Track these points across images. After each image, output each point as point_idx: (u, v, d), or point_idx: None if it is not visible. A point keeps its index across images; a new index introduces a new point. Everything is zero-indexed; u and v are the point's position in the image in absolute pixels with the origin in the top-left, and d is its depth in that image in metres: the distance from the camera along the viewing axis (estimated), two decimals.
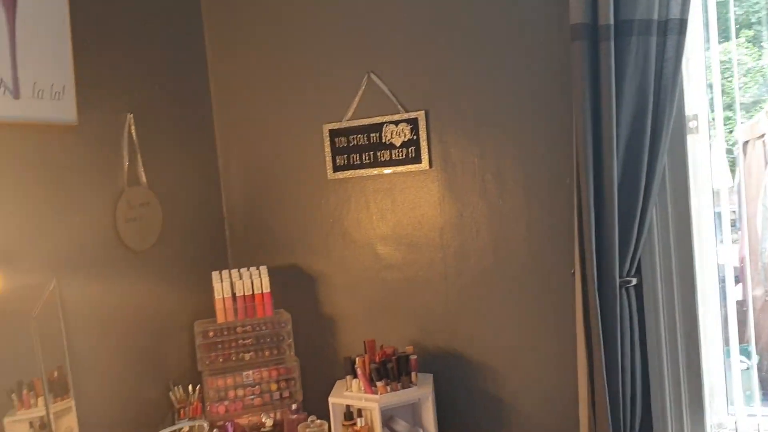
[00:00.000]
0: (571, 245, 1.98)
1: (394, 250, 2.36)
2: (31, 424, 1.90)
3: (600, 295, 1.86)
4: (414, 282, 2.33)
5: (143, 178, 2.22)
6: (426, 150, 2.28)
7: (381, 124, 2.32)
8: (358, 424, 2.04)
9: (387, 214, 2.36)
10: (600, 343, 1.85)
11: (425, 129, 2.27)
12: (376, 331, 2.30)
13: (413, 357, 2.11)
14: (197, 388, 2.22)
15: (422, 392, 2.06)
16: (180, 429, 2.09)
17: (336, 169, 2.40)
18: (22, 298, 1.83)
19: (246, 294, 2.28)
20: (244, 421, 2.22)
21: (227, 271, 2.30)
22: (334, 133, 2.39)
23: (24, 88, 1.82)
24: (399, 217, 2.35)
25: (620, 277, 1.88)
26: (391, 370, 2.06)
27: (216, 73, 2.57)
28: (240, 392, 2.22)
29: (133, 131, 2.17)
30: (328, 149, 2.40)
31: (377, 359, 2.08)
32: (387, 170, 2.33)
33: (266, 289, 2.29)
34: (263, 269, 2.31)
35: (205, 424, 2.06)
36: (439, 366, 2.27)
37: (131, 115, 2.17)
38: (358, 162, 2.37)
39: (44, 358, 1.87)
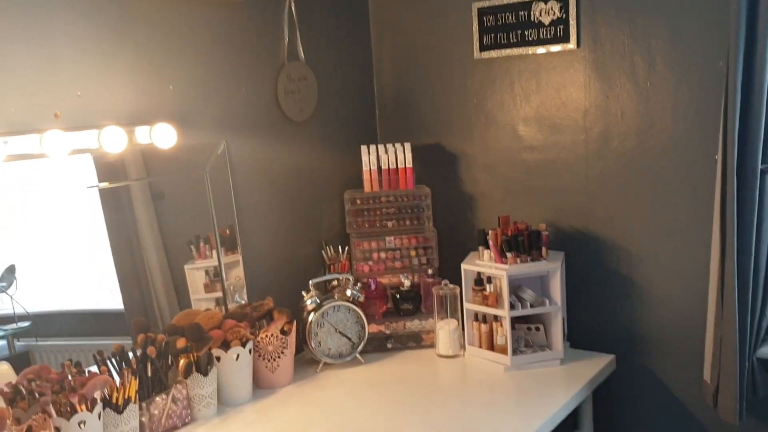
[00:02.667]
0: (718, 132, 1.96)
1: (535, 131, 2.44)
2: (207, 273, 2.29)
3: (739, 180, 1.86)
4: (553, 163, 2.41)
5: (301, 54, 2.45)
6: (575, 29, 2.29)
7: (530, 2, 2.35)
8: (487, 290, 2.22)
9: (531, 96, 2.43)
10: (734, 228, 1.86)
11: (575, 7, 2.27)
12: (512, 209, 2.44)
13: (545, 233, 2.23)
14: (346, 248, 2.52)
15: (551, 266, 2.20)
16: (329, 280, 2.40)
17: (483, 48, 2.49)
18: (197, 154, 2.17)
19: (390, 168, 2.49)
20: (385, 280, 2.50)
21: (375, 145, 2.51)
22: (482, 12, 2.46)
23: None
24: (543, 99, 2.41)
25: (763, 163, 1.85)
26: (521, 243, 2.20)
27: None
28: (383, 255, 2.49)
29: (293, 9, 2.39)
30: (475, 28, 2.48)
31: (509, 233, 2.23)
32: (534, 50, 2.38)
33: (409, 164, 2.49)
34: (407, 146, 2.51)
35: (351, 278, 2.36)
36: (571, 245, 2.38)
37: None
38: (505, 41, 2.44)
39: (216, 214, 2.23)
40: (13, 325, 1.86)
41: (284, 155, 2.43)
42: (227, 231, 2.27)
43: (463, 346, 2.34)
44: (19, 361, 1.84)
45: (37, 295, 1.89)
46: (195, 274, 2.25)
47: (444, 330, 2.33)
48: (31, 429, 1.57)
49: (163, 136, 1.96)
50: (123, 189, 2.05)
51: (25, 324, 1.87)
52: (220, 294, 2.25)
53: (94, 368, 1.82)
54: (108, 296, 2.04)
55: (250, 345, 2.08)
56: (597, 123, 2.31)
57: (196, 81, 2.14)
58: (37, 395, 1.66)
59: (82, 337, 2.00)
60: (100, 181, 1.96)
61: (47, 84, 1.75)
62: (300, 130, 2.48)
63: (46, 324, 1.91)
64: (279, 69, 2.38)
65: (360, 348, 2.31)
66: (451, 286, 2.36)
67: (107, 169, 1.97)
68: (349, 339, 2.31)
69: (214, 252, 2.25)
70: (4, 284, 1.83)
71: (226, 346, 2.04)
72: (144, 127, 1.94)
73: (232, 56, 2.24)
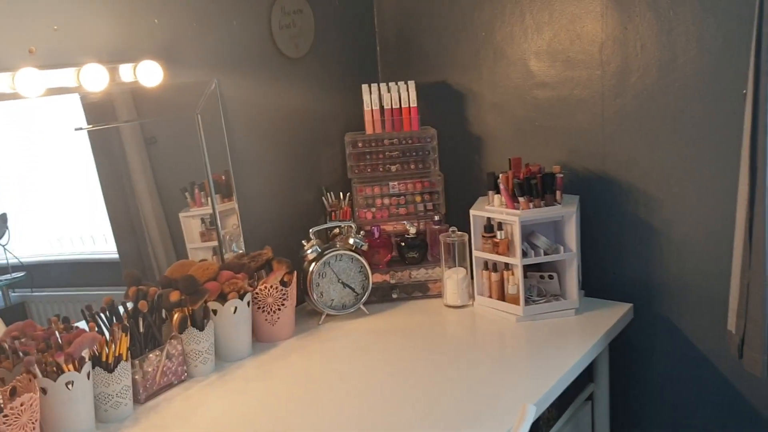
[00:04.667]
0: (747, 65, 1.84)
1: (548, 66, 2.31)
2: (203, 221, 2.20)
3: None
4: (567, 101, 2.30)
5: None
6: None
7: None
8: (498, 237, 2.14)
9: (543, 27, 2.29)
10: (766, 169, 1.76)
11: None
12: (523, 151, 2.33)
13: (559, 176, 2.13)
14: (347, 194, 2.42)
15: (566, 210, 2.10)
16: (331, 228, 2.31)
17: None
18: (187, 94, 2.05)
19: (394, 108, 2.37)
20: (389, 227, 2.41)
21: (377, 84, 2.39)
22: None
23: None
24: (556, 30, 2.27)
25: None
26: (534, 187, 2.10)
27: None
28: (386, 201, 2.39)
29: None
30: None
31: (521, 176, 2.13)
32: None
33: (413, 103, 2.37)
34: (411, 84, 2.38)
35: (353, 225, 2.26)
36: (586, 188, 2.28)
37: None
38: None
39: (210, 159, 2.12)
40: (7, 276, 1.80)
41: (280, 95, 2.31)
42: (222, 177, 2.18)
43: (472, 296, 2.27)
44: (14, 312, 1.79)
45: (31, 244, 1.84)
46: (190, 222, 2.18)
47: (452, 279, 2.26)
48: (16, 390, 1.50)
49: (149, 74, 1.84)
50: (113, 132, 1.95)
51: (20, 274, 1.82)
52: (216, 243, 2.16)
53: (84, 324, 1.74)
54: (103, 244, 1.97)
55: (248, 297, 2.00)
56: (614, 56, 2.18)
57: (184, 14, 2.00)
58: (21, 354, 1.58)
59: (79, 287, 1.94)
60: (88, 123, 1.86)
61: (19, 17, 1.62)
62: (296, 67, 2.35)
63: (41, 274, 1.86)
64: (272, 0, 2.24)
65: (364, 299, 2.24)
66: (459, 233, 2.27)
67: (95, 110, 1.87)
68: (353, 289, 2.23)
69: (210, 199, 2.16)
70: None
71: (223, 298, 1.96)
72: (128, 65, 1.81)
73: None
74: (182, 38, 2.00)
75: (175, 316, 1.88)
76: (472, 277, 2.25)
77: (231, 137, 2.15)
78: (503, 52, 2.39)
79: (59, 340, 1.64)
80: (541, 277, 2.20)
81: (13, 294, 1.82)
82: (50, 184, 1.85)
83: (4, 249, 1.79)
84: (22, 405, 1.44)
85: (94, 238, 1.97)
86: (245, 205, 2.22)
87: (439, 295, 2.33)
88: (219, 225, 2.18)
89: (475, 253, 2.21)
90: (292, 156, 2.37)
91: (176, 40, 1.98)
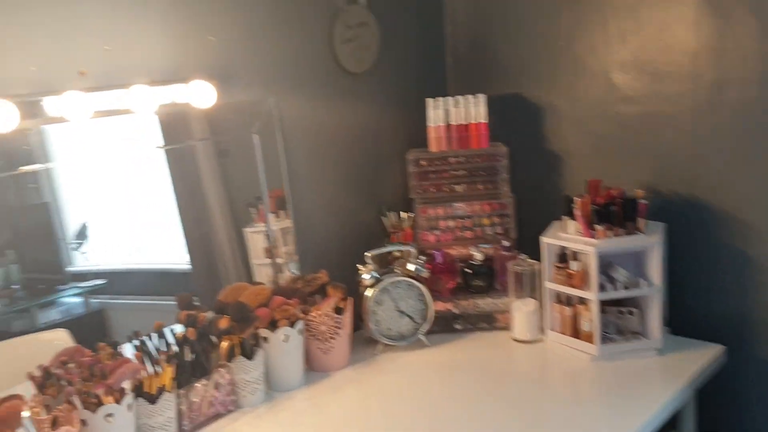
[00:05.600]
0: None
1: (633, 79, 2.15)
2: (267, 237, 2.17)
3: None
4: (655, 117, 2.13)
5: None
6: None
7: None
8: (572, 268, 2.00)
9: (629, 36, 2.14)
10: None
11: None
12: (603, 172, 2.18)
13: (642, 201, 1.97)
14: (409, 215, 2.33)
15: (649, 240, 1.94)
16: (389, 252, 2.22)
17: None
18: (243, 113, 2.02)
19: (461, 123, 2.27)
20: (453, 251, 2.30)
21: (443, 99, 2.29)
22: None
23: None
24: (643, 40, 2.11)
25: None
26: (614, 214, 1.95)
27: None
28: (451, 223, 2.29)
29: None
30: None
31: (600, 201, 1.99)
32: None
33: (482, 119, 2.26)
34: (481, 98, 2.27)
35: (413, 250, 2.17)
36: (673, 215, 2.11)
37: None
38: None
39: (267, 178, 2.09)
40: (88, 283, 1.88)
41: (340, 111, 2.25)
42: (283, 192, 2.15)
43: (542, 330, 2.13)
44: (93, 318, 1.89)
45: (110, 253, 1.92)
46: (255, 238, 2.17)
47: (521, 311, 2.13)
48: (57, 420, 1.49)
49: (201, 95, 1.81)
50: (187, 147, 1.99)
51: (100, 282, 1.89)
52: (279, 260, 2.16)
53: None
54: (177, 256, 2.03)
55: (300, 325, 1.95)
56: (709, 68, 2.00)
57: (241, 31, 1.97)
58: (64, 382, 1.57)
59: (155, 296, 1.99)
60: (164, 138, 1.91)
61: (71, 37, 1.62)
62: (358, 82, 2.28)
63: (120, 282, 1.94)
64: (335, 14, 2.18)
65: (424, 329, 2.14)
66: (530, 261, 2.14)
67: (169, 127, 1.91)
68: (412, 319, 2.14)
69: (272, 215, 2.16)
70: (79, 241, 1.86)
71: (273, 326, 1.91)
72: (180, 85, 1.79)
73: (281, 1, 2.05)
74: (239, 56, 1.97)
75: (224, 344, 1.84)
76: (543, 309, 2.12)
77: (288, 155, 2.11)
78: (584, 64, 2.25)
79: (102, 368, 1.63)
80: (620, 312, 2.04)
81: (92, 301, 1.89)
82: (130, 196, 1.94)
83: (85, 256, 1.86)
84: None
85: (169, 249, 2.02)
86: (301, 226, 2.17)
87: (507, 328, 2.20)
88: (273, 242, 2.16)
89: (546, 284, 2.07)
90: (351, 174, 2.31)
91: (233, 58, 1.95)
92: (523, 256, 2.16)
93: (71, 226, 1.86)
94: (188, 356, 1.77)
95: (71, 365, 1.65)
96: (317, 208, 2.23)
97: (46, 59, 1.57)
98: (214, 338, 1.84)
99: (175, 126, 1.92)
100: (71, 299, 1.88)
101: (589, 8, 2.19)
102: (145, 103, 1.69)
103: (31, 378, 1.59)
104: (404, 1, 2.41)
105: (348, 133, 2.29)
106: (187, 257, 2.03)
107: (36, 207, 1.82)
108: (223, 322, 1.82)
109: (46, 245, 1.85)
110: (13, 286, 1.76)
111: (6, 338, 1.72)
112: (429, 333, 2.16)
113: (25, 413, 1.48)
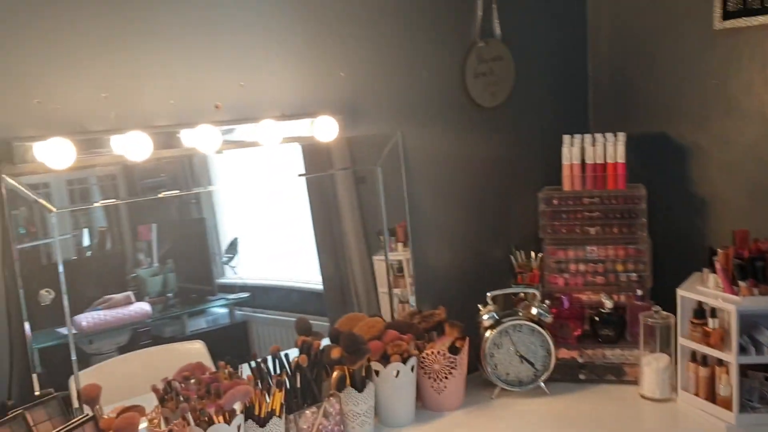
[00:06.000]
0: None
1: None
2: (392, 267, 2.20)
3: None
4: None
5: (497, 30, 2.22)
6: None
7: None
8: (710, 326, 1.84)
9: None
10: None
11: None
12: (752, 222, 2.01)
13: None
14: (539, 255, 2.26)
15: None
16: (513, 293, 2.17)
17: (726, 16, 2.06)
18: (369, 146, 2.07)
19: (597, 162, 2.17)
20: (582, 297, 2.20)
21: (580, 136, 2.20)
22: None
23: None
24: None
25: None
26: (760, 270, 1.78)
27: None
28: (582, 267, 2.19)
29: None
30: None
31: (745, 254, 1.82)
32: None
33: (621, 159, 2.15)
34: (621, 136, 2.16)
35: (537, 293, 2.10)
36: None
37: None
38: (757, 5, 1.98)
39: (394, 208, 2.12)
40: (234, 295, 2.00)
41: (469, 146, 2.24)
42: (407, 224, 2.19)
43: (674, 389, 1.98)
44: (236, 329, 2.01)
45: (254, 268, 2.03)
46: (382, 266, 2.21)
47: (651, 367, 1.99)
48: None
49: (324, 129, 1.88)
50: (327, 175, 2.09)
51: (245, 295, 2.01)
52: (404, 290, 2.18)
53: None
54: (313, 275, 2.12)
55: (412, 362, 1.94)
56: None
57: (372, 66, 2.02)
58: (182, 398, 1.67)
59: (291, 312, 2.06)
60: (306, 165, 2.00)
61: (209, 74, 1.74)
62: (490, 117, 2.26)
63: (261, 296, 2.04)
64: (468, 48, 2.18)
65: (544, 377, 2.06)
66: (664, 313, 2.00)
67: (311, 156, 2.00)
68: (532, 365, 2.07)
69: (400, 245, 2.19)
70: (230, 255, 1.98)
71: (386, 359, 1.92)
72: (306, 120, 1.87)
73: (414, 36, 2.09)
74: (368, 90, 2.02)
75: (335, 373, 1.87)
76: (676, 367, 1.97)
77: (411, 188, 2.13)
78: (738, 104, 2.08)
79: (218, 387, 1.71)
80: (766, 379, 1.84)
81: (238, 312, 2.02)
82: (276, 217, 2.06)
83: (233, 270, 1.98)
84: None
85: (310, 267, 2.11)
86: (421, 260, 2.18)
87: (636, 383, 2.06)
88: (397, 272, 2.18)
89: (681, 340, 1.93)
90: (478, 210, 2.28)
91: (361, 92, 2.01)
92: (656, 308, 2.02)
93: (223, 241, 1.98)
94: (299, 383, 1.81)
95: (192, 381, 1.75)
96: (439, 243, 2.23)
97: (185, 94, 1.70)
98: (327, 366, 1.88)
99: (312, 156, 2.01)
100: (219, 310, 2.00)
101: (745, 45, 2.04)
102: (271, 136, 1.77)
103: (154, 390, 1.70)
104: (544, 35, 2.36)
105: (477, 168, 2.27)
106: (320, 278, 2.11)
107: (194, 222, 1.95)
108: (335, 352, 1.86)
109: (200, 257, 1.98)
110: (167, 294, 1.90)
111: (159, 343, 1.87)
112: (550, 380, 2.08)
113: (143, 424, 1.60)
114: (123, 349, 1.82)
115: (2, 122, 1.44)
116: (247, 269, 2.00)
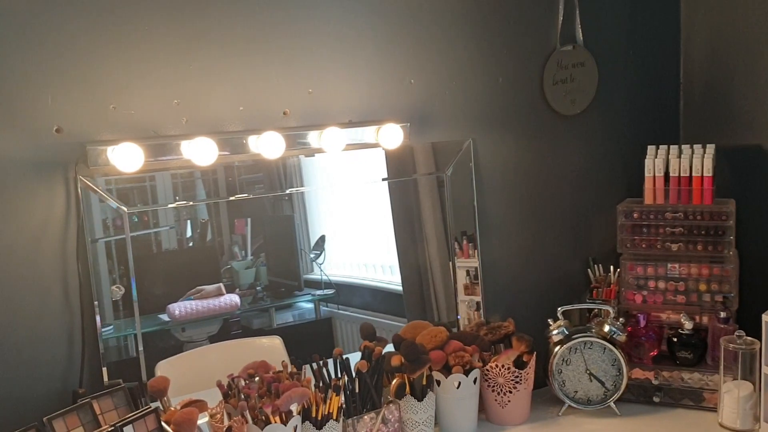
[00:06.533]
0: None
1: None
2: (468, 273, 2.20)
3: None
4: None
5: (579, 36, 2.16)
6: None
7: None
8: None
9: None
10: None
11: None
12: None
13: None
14: (617, 270, 2.18)
15: None
16: (587, 309, 2.10)
17: None
18: (438, 154, 2.06)
19: (682, 175, 2.07)
20: (661, 316, 2.10)
21: (665, 147, 2.11)
22: None
23: None
24: None
25: None
26: None
27: None
28: (661, 285, 2.09)
29: None
30: None
31: None
32: None
33: (708, 172, 2.03)
34: (709, 149, 2.05)
35: (611, 310, 2.03)
36: None
37: None
38: None
39: (456, 218, 2.11)
40: (320, 291, 2.06)
41: (546, 154, 2.19)
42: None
43: (757, 420, 1.86)
44: (321, 324, 2.08)
45: (339, 266, 2.09)
46: (458, 273, 2.20)
47: (732, 394, 1.88)
48: (230, 430, 1.64)
49: (389, 137, 1.89)
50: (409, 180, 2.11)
51: (330, 291, 2.08)
52: (478, 298, 2.16)
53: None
54: (395, 276, 2.15)
55: (475, 374, 1.92)
56: None
57: (443, 73, 2.01)
58: (243, 396, 1.73)
59: (373, 312, 2.12)
60: (388, 170, 2.04)
61: (278, 81, 1.79)
62: (569, 125, 2.20)
63: (345, 294, 2.10)
64: (548, 54, 2.13)
65: (615, 397, 1.98)
66: (749, 339, 1.88)
67: (392, 161, 2.03)
68: (602, 384, 2.00)
69: (477, 252, 2.17)
70: (317, 252, 2.05)
71: (448, 370, 1.91)
72: (370, 128, 1.89)
73: (490, 42, 2.07)
74: (438, 97, 2.01)
75: (395, 380, 1.88)
76: (760, 397, 1.84)
77: (482, 196, 2.10)
78: None
79: (277, 387, 1.76)
80: None
81: (323, 308, 2.09)
82: (361, 218, 2.12)
83: (320, 267, 2.05)
84: None
85: (391, 269, 2.15)
86: (490, 270, 2.15)
87: (714, 410, 1.95)
88: (480, 278, 2.16)
89: (765, 368, 1.80)
90: (554, 221, 2.23)
91: (431, 99, 2.00)
92: (740, 332, 1.90)
93: (311, 238, 2.05)
94: (358, 388, 1.83)
95: (256, 379, 1.81)
96: (510, 253, 2.19)
97: (254, 100, 1.75)
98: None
99: (395, 160, 2.03)
100: (305, 305, 2.07)
101: None
102: (336, 143, 1.80)
103: (219, 386, 1.77)
104: (631, 41, 2.27)
105: (553, 178, 2.21)
106: (399, 280, 2.14)
107: (285, 218, 2.03)
108: (395, 360, 1.86)
109: (289, 253, 2.06)
110: (257, 287, 1.97)
111: (248, 334, 1.96)
112: (621, 401, 2.00)
113: (203, 419, 1.66)
114: (213, 339, 1.92)
115: (80, 127, 1.54)
116: (332, 267, 2.05)
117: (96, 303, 1.64)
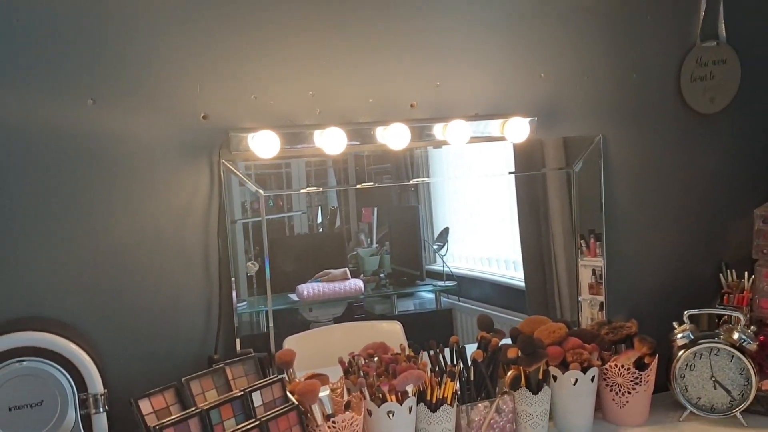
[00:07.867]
0: None
1: None
2: (593, 272, 2.19)
3: None
4: None
5: (722, 32, 2.09)
6: None
7: None
8: None
9: None
10: None
11: None
12: None
13: None
14: (752, 277, 2.09)
15: None
16: (715, 315, 2.04)
17: None
18: (567, 148, 2.06)
19: None
20: None
21: None
22: None
23: None
24: None
25: None
26: None
27: None
28: None
29: None
30: None
31: None
32: None
33: None
34: None
35: (742, 317, 1.95)
36: None
37: None
38: None
39: (581, 216, 2.10)
40: (442, 283, 2.15)
41: (680, 154, 2.14)
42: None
43: None
44: (442, 315, 2.16)
45: (462, 259, 2.16)
46: (583, 272, 2.20)
47: None
48: (349, 404, 1.75)
49: (515, 131, 1.91)
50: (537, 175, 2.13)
51: (451, 283, 2.15)
52: (602, 298, 2.15)
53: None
54: (517, 272, 2.19)
55: (593, 372, 1.91)
56: None
57: (575, 67, 2.02)
58: (362, 374, 1.82)
59: (493, 306, 2.18)
60: (516, 163, 2.06)
61: (407, 74, 1.87)
62: (706, 124, 2.13)
63: (466, 286, 2.17)
64: (687, 50, 2.09)
65: (742, 407, 1.91)
66: None
67: (520, 155, 2.06)
68: (728, 392, 1.93)
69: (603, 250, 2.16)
70: (440, 244, 2.13)
71: (565, 366, 1.92)
72: (496, 121, 1.92)
73: (625, 37, 2.05)
74: (567, 91, 2.02)
75: (510, 372, 1.91)
76: None
77: (609, 194, 2.08)
78: None
79: (394, 368, 1.84)
80: None
81: (444, 299, 2.17)
82: (485, 210, 2.16)
83: (442, 258, 2.13)
84: (343, 421, 1.67)
85: (514, 264, 2.19)
86: (615, 269, 2.13)
87: None
88: (579, 285, 2.16)
89: None
90: (686, 222, 2.17)
91: (560, 94, 2.01)
92: None
93: (435, 230, 2.12)
94: (473, 376, 1.88)
95: (375, 358, 1.90)
96: (637, 254, 2.16)
97: (383, 93, 1.85)
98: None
99: (523, 154, 2.06)
100: (426, 294, 2.15)
101: None
102: (460, 136, 1.85)
103: (340, 362, 1.88)
104: None
105: (687, 178, 2.16)
106: (521, 275, 2.17)
107: (410, 209, 2.11)
108: (512, 352, 1.89)
109: (412, 243, 2.14)
110: (380, 274, 2.08)
111: (370, 318, 2.08)
112: (748, 412, 1.93)
113: (324, 392, 1.78)
114: (338, 320, 2.04)
115: (224, 114, 1.70)
116: (454, 259, 2.12)
117: (233, 279, 1.79)
